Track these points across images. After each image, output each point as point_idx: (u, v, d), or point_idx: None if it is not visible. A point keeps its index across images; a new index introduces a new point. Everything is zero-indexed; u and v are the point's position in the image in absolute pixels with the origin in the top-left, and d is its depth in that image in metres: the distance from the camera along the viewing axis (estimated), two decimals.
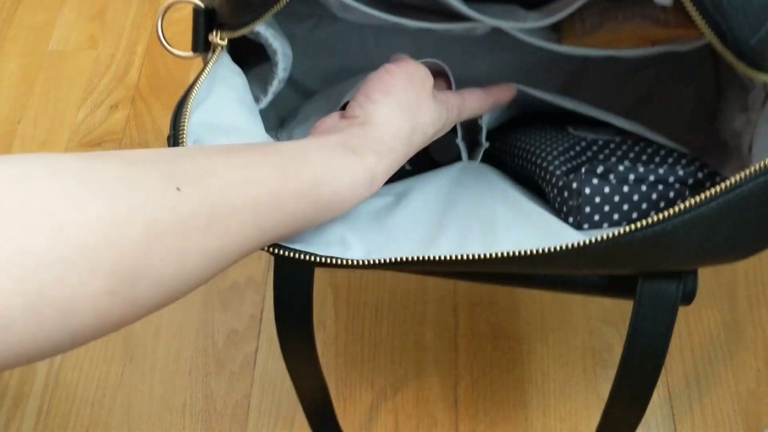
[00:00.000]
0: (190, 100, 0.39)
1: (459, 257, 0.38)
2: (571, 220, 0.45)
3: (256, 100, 0.48)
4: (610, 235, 0.37)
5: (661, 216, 0.36)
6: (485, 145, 0.52)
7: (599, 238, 0.37)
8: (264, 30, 0.45)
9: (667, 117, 0.56)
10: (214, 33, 0.42)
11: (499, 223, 0.42)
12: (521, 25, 0.50)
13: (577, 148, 0.48)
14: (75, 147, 0.85)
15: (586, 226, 0.44)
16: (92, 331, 0.28)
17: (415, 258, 0.38)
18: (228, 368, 0.69)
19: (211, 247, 0.31)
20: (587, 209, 0.44)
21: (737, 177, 0.36)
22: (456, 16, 0.51)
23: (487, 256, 0.37)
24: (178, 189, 0.30)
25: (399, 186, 0.48)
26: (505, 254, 0.37)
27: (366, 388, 0.68)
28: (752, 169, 0.36)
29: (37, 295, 0.25)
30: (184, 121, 0.38)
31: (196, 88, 0.40)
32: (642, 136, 0.49)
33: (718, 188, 0.36)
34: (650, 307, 0.42)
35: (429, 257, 0.38)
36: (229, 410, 0.68)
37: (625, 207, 0.44)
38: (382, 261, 0.39)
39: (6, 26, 0.96)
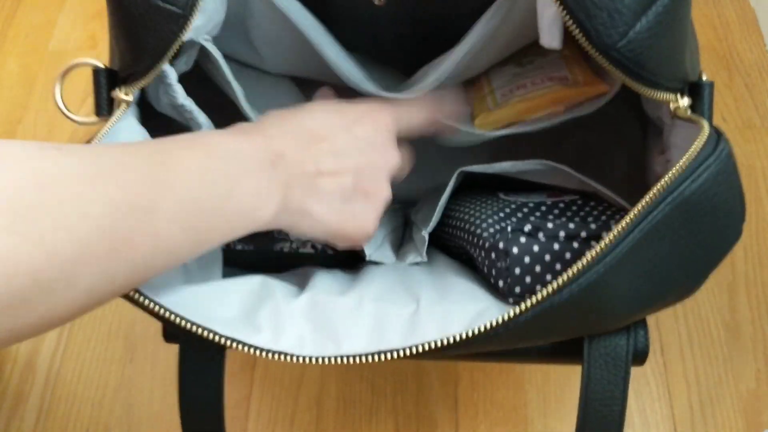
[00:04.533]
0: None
1: (376, 356, 0.36)
2: (501, 284, 0.41)
3: None
4: (533, 302, 0.34)
5: (580, 265, 0.34)
6: (424, 258, 0.47)
7: (522, 309, 0.34)
8: (190, 104, 0.44)
9: (601, 177, 0.52)
10: (118, 90, 0.41)
11: (422, 312, 0.39)
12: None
13: (507, 210, 0.45)
14: None
15: (518, 289, 0.40)
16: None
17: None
18: (228, 368, 0.69)
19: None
20: (517, 270, 0.40)
21: (641, 204, 0.34)
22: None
23: (406, 351, 0.36)
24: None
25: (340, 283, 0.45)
26: (427, 346, 0.36)
27: (366, 388, 0.68)
28: (652, 193, 0.34)
29: None
30: None
31: (99, 134, 0.38)
32: (573, 198, 0.46)
33: (627, 220, 0.34)
34: (601, 368, 0.39)
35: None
36: (229, 410, 0.68)
37: (558, 266, 0.40)
38: (324, 358, 0.37)
39: (6, 26, 0.96)
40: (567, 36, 0.51)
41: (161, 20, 0.39)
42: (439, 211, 0.48)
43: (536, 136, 0.53)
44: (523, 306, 0.34)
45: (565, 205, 0.45)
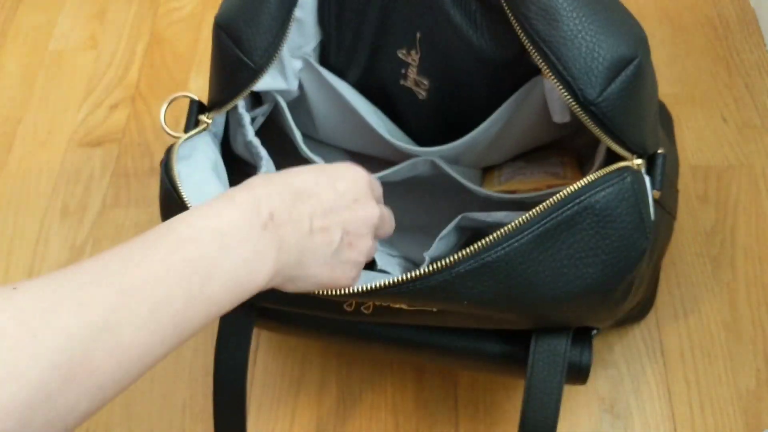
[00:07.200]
0: (177, 144, 0.52)
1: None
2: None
3: None
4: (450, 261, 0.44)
5: (498, 235, 0.44)
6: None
7: (434, 267, 0.45)
8: (256, 140, 0.57)
9: None
10: (203, 115, 0.55)
11: None
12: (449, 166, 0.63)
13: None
14: (75, 147, 0.85)
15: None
16: None
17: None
18: None
19: None
20: None
21: (554, 198, 0.44)
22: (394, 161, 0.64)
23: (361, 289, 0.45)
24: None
25: None
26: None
27: (366, 388, 0.68)
28: (563, 192, 0.45)
29: None
30: (173, 155, 0.51)
31: (182, 139, 0.53)
32: None
33: (540, 207, 0.44)
34: (543, 360, 0.50)
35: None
36: None
37: None
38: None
39: (6, 26, 0.96)
40: (569, 148, 0.66)
41: (241, 69, 0.53)
42: (438, 240, 0.57)
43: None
44: (436, 265, 0.44)
45: None
